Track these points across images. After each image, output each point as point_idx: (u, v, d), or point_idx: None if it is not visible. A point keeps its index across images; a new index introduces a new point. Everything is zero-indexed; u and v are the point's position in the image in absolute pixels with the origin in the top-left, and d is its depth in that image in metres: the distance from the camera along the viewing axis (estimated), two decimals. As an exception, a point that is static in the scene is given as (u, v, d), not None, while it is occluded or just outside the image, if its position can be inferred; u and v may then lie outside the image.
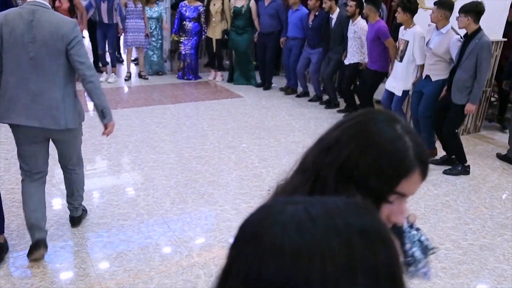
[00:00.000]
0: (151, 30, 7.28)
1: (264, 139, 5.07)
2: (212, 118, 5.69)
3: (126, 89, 6.95)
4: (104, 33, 6.93)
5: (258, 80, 7.45)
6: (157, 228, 3.23)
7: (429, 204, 3.79)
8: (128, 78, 7.37)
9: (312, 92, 6.81)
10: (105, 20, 6.75)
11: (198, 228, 3.26)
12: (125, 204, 3.52)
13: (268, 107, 6.27)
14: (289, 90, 7.06)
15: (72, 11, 6.24)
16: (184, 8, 7.26)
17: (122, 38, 7.36)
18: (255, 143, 4.94)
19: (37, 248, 2.76)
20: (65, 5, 6.15)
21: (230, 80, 7.57)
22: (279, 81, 7.48)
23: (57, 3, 6.20)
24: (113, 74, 7.22)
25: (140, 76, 7.49)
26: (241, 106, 6.29)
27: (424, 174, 0.88)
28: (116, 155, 4.45)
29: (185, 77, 7.60)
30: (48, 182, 3.72)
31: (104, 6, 6.65)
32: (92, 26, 7.09)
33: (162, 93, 6.77)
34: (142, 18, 7.11)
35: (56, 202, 3.52)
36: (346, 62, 5.84)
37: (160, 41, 7.52)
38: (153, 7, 7.16)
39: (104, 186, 3.82)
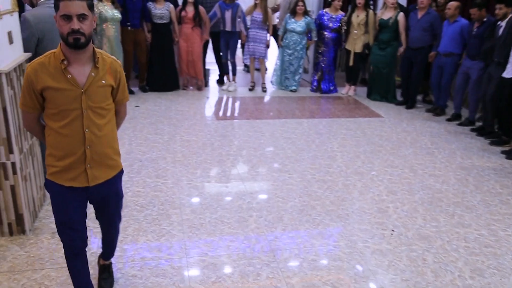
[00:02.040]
0: (294, 44, 7.12)
1: (398, 168, 4.55)
2: (344, 138, 5.34)
3: (261, 100, 6.98)
4: (227, 42, 6.99)
5: (399, 98, 6.89)
6: (263, 256, 3.05)
7: None
8: (252, 88, 7.37)
9: (465, 115, 6.02)
10: (228, 28, 6.83)
11: (305, 264, 2.99)
12: (236, 223, 3.42)
13: (408, 131, 5.68)
14: (437, 110, 6.35)
15: (196, 19, 6.56)
16: (325, 17, 7.02)
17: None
18: (387, 171, 4.46)
19: None
20: (190, 14, 6.63)
21: (368, 95, 7.12)
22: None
23: (183, 13, 6.66)
24: (233, 82, 7.28)
25: (262, 88, 7.39)
26: (378, 127, 5.81)
27: None
28: (239, 168, 4.41)
29: (320, 90, 7.36)
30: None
31: (228, 14, 6.75)
32: (215, 36, 7.19)
33: (298, 106, 6.63)
34: (264, 28, 7.01)
35: (171, 213, 3.57)
36: (506, 75, 4.94)
37: (302, 58, 7.28)
38: (300, 19, 7.03)
39: (220, 200, 3.78)
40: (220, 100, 6.90)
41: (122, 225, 3.27)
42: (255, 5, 6.96)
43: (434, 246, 3.23)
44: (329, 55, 7.18)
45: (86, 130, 2.06)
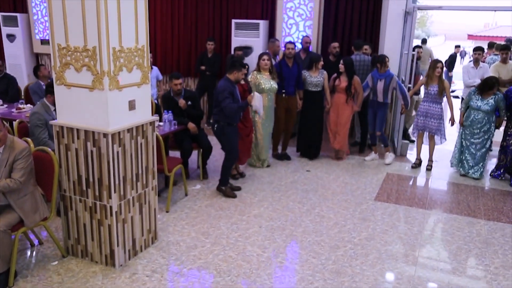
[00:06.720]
0: (479, 124, 6.05)
1: None
2: (519, 257, 4.08)
3: (438, 184, 6.03)
4: (375, 112, 6.65)
5: None
6: None
7: None
8: (416, 165, 6.65)
9: None
10: (380, 99, 6.53)
11: None
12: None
13: None
14: None
15: (348, 90, 6.51)
16: None
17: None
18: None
19: None
20: (343, 84, 6.53)
21: None
22: None
23: (337, 82, 6.51)
24: (388, 153, 6.81)
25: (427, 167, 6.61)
26: None
27: None
28: (340, 264, 3.94)
29: (501, 177, 6.15)
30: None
31: (380, 85, 6.46)
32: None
33: (478, 201, 5.39)
34: (439, 103, 6.27)
35: None
36: None
37: (488, 140, 6.14)
38: (489, 97, 5.98)
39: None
40: (393, 178, 6.25)
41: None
42: (430, 78, 6.29)
43: None
44: None
45: None
